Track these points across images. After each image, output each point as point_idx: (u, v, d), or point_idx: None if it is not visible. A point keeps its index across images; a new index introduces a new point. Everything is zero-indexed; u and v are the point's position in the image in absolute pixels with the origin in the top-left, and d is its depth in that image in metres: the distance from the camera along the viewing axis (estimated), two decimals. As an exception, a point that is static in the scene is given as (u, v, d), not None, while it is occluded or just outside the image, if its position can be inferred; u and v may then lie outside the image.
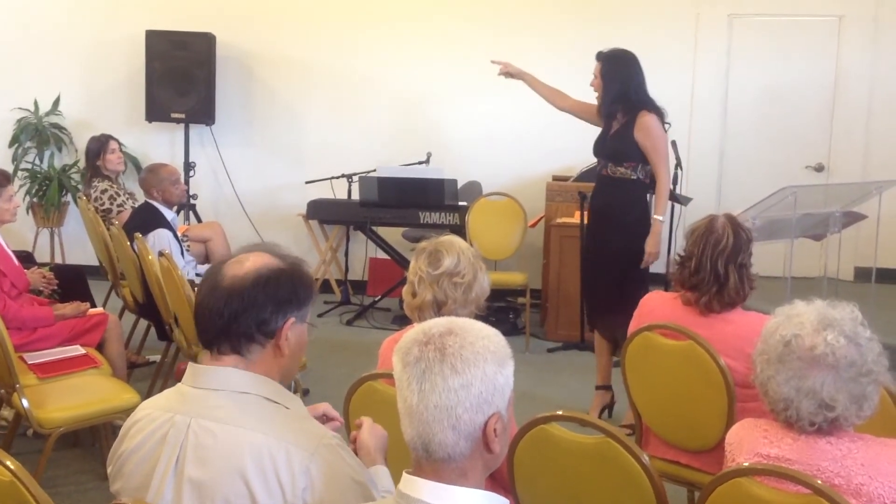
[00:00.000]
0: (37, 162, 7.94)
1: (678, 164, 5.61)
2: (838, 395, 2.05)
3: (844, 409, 2.06)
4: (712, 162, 7.73)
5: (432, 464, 1.59)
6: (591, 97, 5.28)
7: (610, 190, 4.90)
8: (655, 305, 3.50)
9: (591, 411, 4.94)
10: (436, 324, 1.66)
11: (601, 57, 4.93)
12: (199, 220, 7.60)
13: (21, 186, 7.68)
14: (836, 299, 2.20)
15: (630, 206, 4.84)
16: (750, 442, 2.21)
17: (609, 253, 4.87)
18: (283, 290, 1.91)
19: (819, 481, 1.98)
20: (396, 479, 1.66)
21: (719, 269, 3.24)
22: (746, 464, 2.13)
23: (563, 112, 5.36)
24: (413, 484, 1.60)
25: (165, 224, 5.36)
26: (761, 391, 2.18)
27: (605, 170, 4.91)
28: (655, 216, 4.76)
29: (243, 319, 1.88)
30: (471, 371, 1.57)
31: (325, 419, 2.19)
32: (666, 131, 4.84)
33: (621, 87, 4.82)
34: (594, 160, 6.94)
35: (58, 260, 7.81)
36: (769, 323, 2.20)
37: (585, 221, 5.37)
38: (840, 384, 2.05)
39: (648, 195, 4.92)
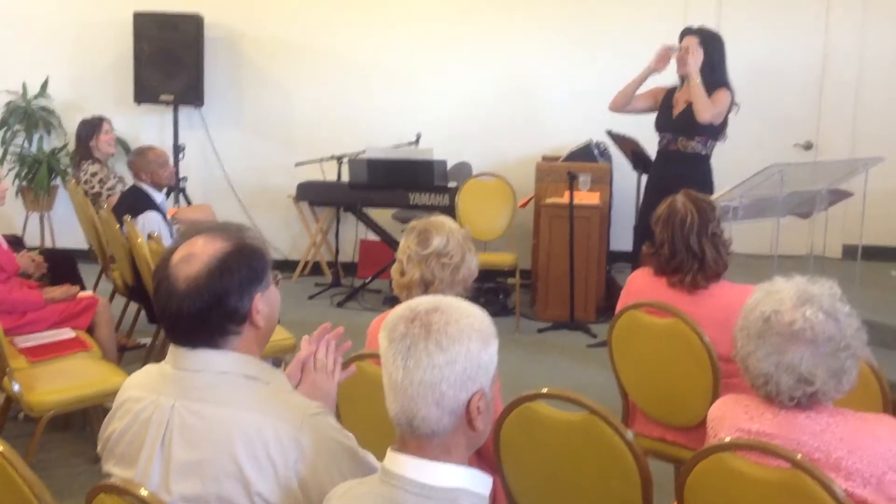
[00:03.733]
0: (25, 145, 7.91)
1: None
2: (817, 370, 2.08)
3: (823, 384, 2.08)
4: (701, 141, 7.73)
5: (416, 440, 1.61)
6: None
7: (680, 164, 5.24)
8: (643, 284, 3.52)
9: None
10: (422, 301, 1.67)
11: (695, 32, 5.28)
12: (188, 202, 7.59)
13: (10, 170, 7.65)
14: (818, 276, 2.22)
15: (700, 182, 5.00)
16: (731, 418, 2.23)
17: None
18: (239, 273, 1.87)
19: (799, 455, 2.01)
20: (382, 457, 1.68)
21: (693, 246, 3.29)
22: (728, 439, 2.16)
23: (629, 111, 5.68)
24: (397, 460, 1.62)
25: (154, 207, 5.37)
26: (742, 367, 2.20)
27: (673, 144, 5.27)
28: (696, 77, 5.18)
29: (212, 317, 1.86)
30: (455, 348, 1.59)
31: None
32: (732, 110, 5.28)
33: (713, 62, 5.24)
34: (583, 140, 7.06)
35: (47, 244, 7.81)
36: (749, 299, 2.22)
37: (647, 180, 5.77)
38: (819, 359, 2.08)
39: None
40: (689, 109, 5.20)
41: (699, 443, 2.98)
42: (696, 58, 5.14)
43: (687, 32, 5.30)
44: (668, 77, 5.57)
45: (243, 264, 1.89)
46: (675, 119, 5.28)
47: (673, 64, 5.46)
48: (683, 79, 5.33)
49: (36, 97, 7.93)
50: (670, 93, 5.40)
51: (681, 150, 5.25)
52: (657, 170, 5.43)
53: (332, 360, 2.16)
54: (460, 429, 1.61)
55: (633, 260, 5.47)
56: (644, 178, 6.29)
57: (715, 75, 5.22)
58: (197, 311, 1.85)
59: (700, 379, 3.15)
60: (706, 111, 5.12)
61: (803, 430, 2.10)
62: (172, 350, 1.94)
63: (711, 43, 5.25)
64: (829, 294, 2.13)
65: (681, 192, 3.45)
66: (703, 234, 3.29)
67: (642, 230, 5.35)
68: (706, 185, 5.15)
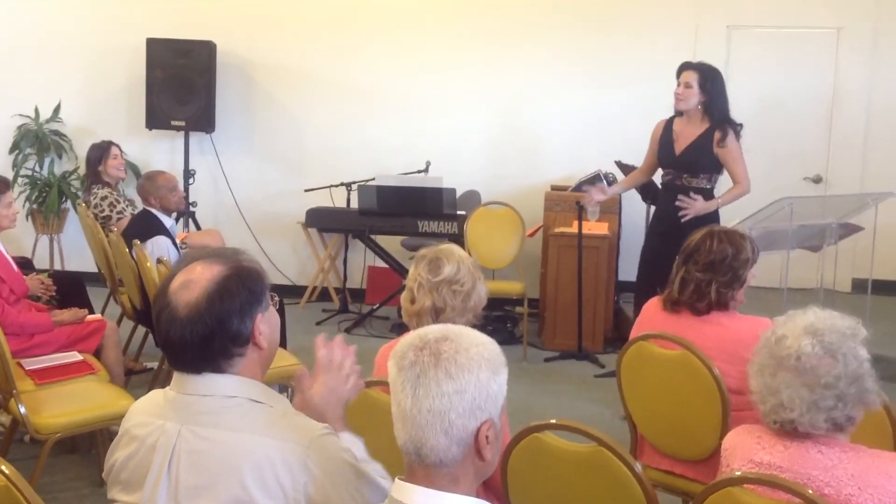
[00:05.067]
0: (37, 168, 7.96)
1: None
2: (795, 400, 2.09)
3: (800, 415, 2.09)
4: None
5: (424, 469, 1.60)
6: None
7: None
8: (655, 311, 3.51)
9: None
10: (431, 329, 1.67)
11: (695, 67, 5.14)
12: (198, 227, 7.61)
13: (21, 193, 7.69)
14: (849, 312, 2.21)
15: (705, 216, 4.97)
16: (744, 448, 2.22)
17: (670, 247, 4.89)
18: (239, 296, 1.88)
19: (809, 490, 1.99)
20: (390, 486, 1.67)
21: (674, 268, 3.35)
22: (738, 473, 2.15)
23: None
24: (404, 490, 1.61)
25: (164, 231, 5.37)
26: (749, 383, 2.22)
27: (678, 179, 5.16)
28: (717, 198, 5.08)
29: (216, 341, 1.86)
30: (465, 377, 1.58)
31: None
32: (739, 139, 5.12)
33: (712, 99, 5.09)
34: (593, 170, 7.05)
35: (57, 266, 7.82)
36: (780, 319, 2.22)
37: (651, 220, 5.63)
38: (799, 390, 2.09)
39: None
40: (691, 147, 5.08)
41: (708, 476, 2.97)
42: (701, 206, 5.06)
43: (686, 67, 5.17)
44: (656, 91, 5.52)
45: (243, 287, 1.90)
46: (678, 156, 5.16)
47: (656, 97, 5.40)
48: (680, 112, 5.21)
49: (48, 121, 7.99)
50: (668, 125, 5.26)
51: (686, 185, 5.15)
52: (663, 202, 5.33)
53: (348, 363, 2.10)
54: (469, 458, 1.61)
55: (636, 290, 5.41)
56: (653, 209, 6.26)
57: (717, 111, 5.10)
58: (200, 336, 1.85)
59: (709, 411, 3.13)
60: (744, 188, 5.11)
61: (815, 464, 2.08)
62: (177, 376, 1.94)
63: (711, 78, 5.12)
64: (842, 333, 2.12)
65: (717, 227, 3.45)
66: (685, 262, 3.32)
67: (645, 262, 5.30)
68: (711, 218, 5.05)
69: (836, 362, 2.08)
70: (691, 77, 5.10)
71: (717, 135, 5.03)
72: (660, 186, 5.64)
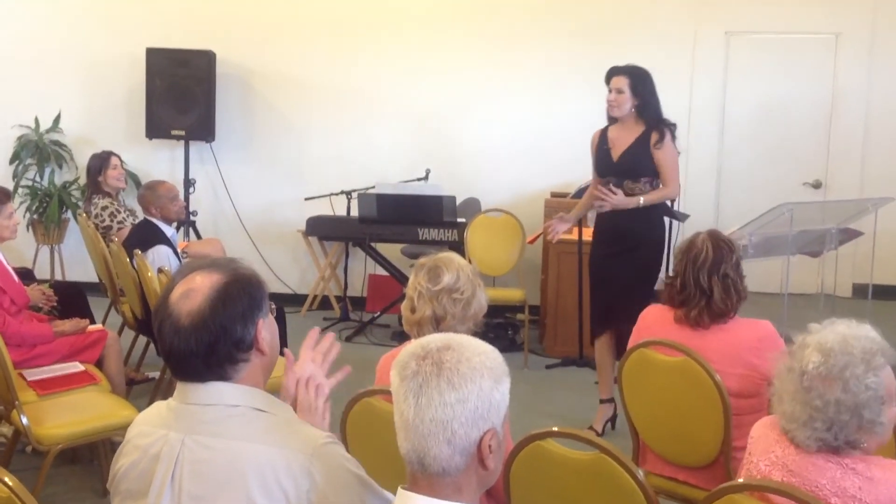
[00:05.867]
0: (37, 179, 7.96)
1: None
2: (792, 408, 2.09)
3: (795, 429, 2.09)
4: (710, 179, 7.76)
5: (427, 478, 1.60)
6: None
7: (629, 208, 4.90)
8: (654, 319, 3.52)
9: (595, 424, 4.99)
10: (434, 339, 1.67)
11: (624, 71, 5.00)
12: (198, 236, 7.62)
13: (21, 203, 7.69)
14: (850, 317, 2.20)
15: (649, 223, 4.90)
16: (765, 441, 2.23)
17: (625, 266, 4.86)
18: (241, 302, 1.90)
19: (813, 497, 1.98)
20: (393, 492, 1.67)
21: (703, 282, 3.28)
22: (740, 480, 2.15)
23: None
24: (408, 499, 1.62)
25: (165, 240, 5.38)
26: None
27: (619, 187, 4.92)
28: (641, 196, 4.85)
29: (220, 349, 1.87)
30: (467, 386, 1.59)
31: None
32: (675, 140, 4.95)
33: (645, 101, 4.95)
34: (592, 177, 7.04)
35: (58, 277, 7.82)
36: (815, 326, 2.22)
37: (592, 233, 5.35)
38: (794, 402, 2.09)
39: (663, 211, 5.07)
40: (628, 152, 4.93)
41: (711, 482, 2.98)
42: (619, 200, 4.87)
43: (615, 73, 5.03)
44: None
45: (244, 292, 1.92)
46: (616, 163, 4.98)
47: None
48: (614, 119, 5.06)
49: (48, 131, 7.99)
50: (604, 134, 5.10)
51: (629, 193, 4.92)
52: (608, 217, 4.99)
53: (320, 403, 2.17)
54: (472, 468, 1.61)
55: (597, 314, 5.15)
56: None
57: (650, 112, 4.95)
58: (205, 344, 1.86)
59: (711, 418, 3.13)
60: (671, 191, 4.96)
61: (823, 472, 2.06)
62: (180, 386, 1.94)
63: (641, 80, 4.99)
64: (853, 356, 2.05)
65: (706, 231, 3.43)
66: (713, 272, 3.28)
67: (599, 281, 5.09)
68: (658, 224, 4.98)
69: (833, 387, 2.03)
70: (622, 82, 4.96)
71: (654, 136, 4.88)
72: None
